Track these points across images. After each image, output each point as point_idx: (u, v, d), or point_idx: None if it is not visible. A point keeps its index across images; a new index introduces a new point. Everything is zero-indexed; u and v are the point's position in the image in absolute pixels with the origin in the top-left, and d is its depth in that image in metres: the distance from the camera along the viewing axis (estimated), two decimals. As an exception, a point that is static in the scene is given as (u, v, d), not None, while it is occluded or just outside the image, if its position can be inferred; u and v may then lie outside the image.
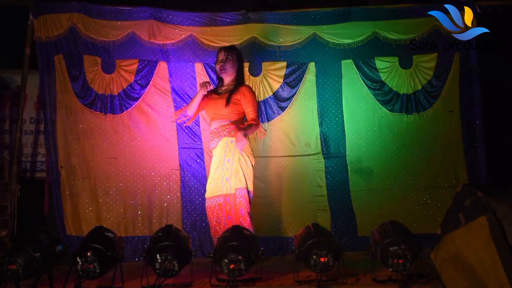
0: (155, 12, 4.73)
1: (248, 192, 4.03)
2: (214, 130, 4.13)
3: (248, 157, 4.06)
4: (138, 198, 4.67)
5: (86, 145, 4.68)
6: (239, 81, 4.23)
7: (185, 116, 4.34)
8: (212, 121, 4.19)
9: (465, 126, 4.77)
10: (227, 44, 4.66)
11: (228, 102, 4.10)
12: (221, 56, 4.22)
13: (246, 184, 4.02)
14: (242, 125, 4.09)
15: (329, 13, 4.81)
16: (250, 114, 4.11)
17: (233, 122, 4.08)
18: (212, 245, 4.12)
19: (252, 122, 4.09)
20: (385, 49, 4.82)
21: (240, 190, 3.99)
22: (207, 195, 4.11)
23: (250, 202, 4.05)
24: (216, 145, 4.10)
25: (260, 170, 4.71)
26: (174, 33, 4.74)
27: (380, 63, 4.83)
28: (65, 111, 4.67)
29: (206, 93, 4.20)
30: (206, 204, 4.11)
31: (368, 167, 4.78)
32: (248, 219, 3.98)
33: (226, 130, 4.07)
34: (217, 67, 4.23)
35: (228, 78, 4.26)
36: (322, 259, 3.13)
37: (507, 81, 4.99)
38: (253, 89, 4.73)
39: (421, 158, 4.76)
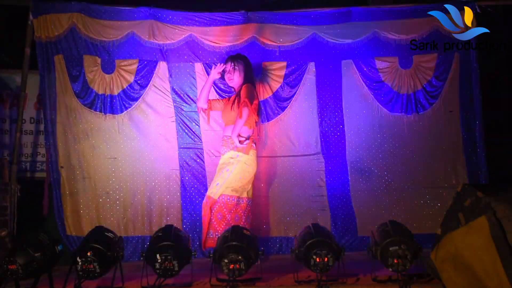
0: (155, 12, 4.72)
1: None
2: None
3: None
4: (138, 198, 4.67)
5: (86, 145, 4.67)
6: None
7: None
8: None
9: (465, 126, 4.76)
10: (227, 44, 4.73)
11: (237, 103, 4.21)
12: (228, 66, 4.26)
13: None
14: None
15: (329, 13, 4.81)
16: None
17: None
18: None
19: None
20: (385, 49, 4.82)
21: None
22: (219, 193, 4.12)
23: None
24: (249, 152, 4.17)
25: (260, 170, 4.71)
26: (174, 33, 4.74)
27: (380, 63, 4.83)
28: (65, 111, 4.67)
29: (218, 76, 4.35)
30: (218, 198, 4.11)
31: (368, 167, 4.77)
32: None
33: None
34: (226, 78, 4.30)
35: (237, 86, 4.29)
36: (322, 259, 3.13)
37: (507, 81, 4.99)
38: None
39: (421, 158, 4.76)
